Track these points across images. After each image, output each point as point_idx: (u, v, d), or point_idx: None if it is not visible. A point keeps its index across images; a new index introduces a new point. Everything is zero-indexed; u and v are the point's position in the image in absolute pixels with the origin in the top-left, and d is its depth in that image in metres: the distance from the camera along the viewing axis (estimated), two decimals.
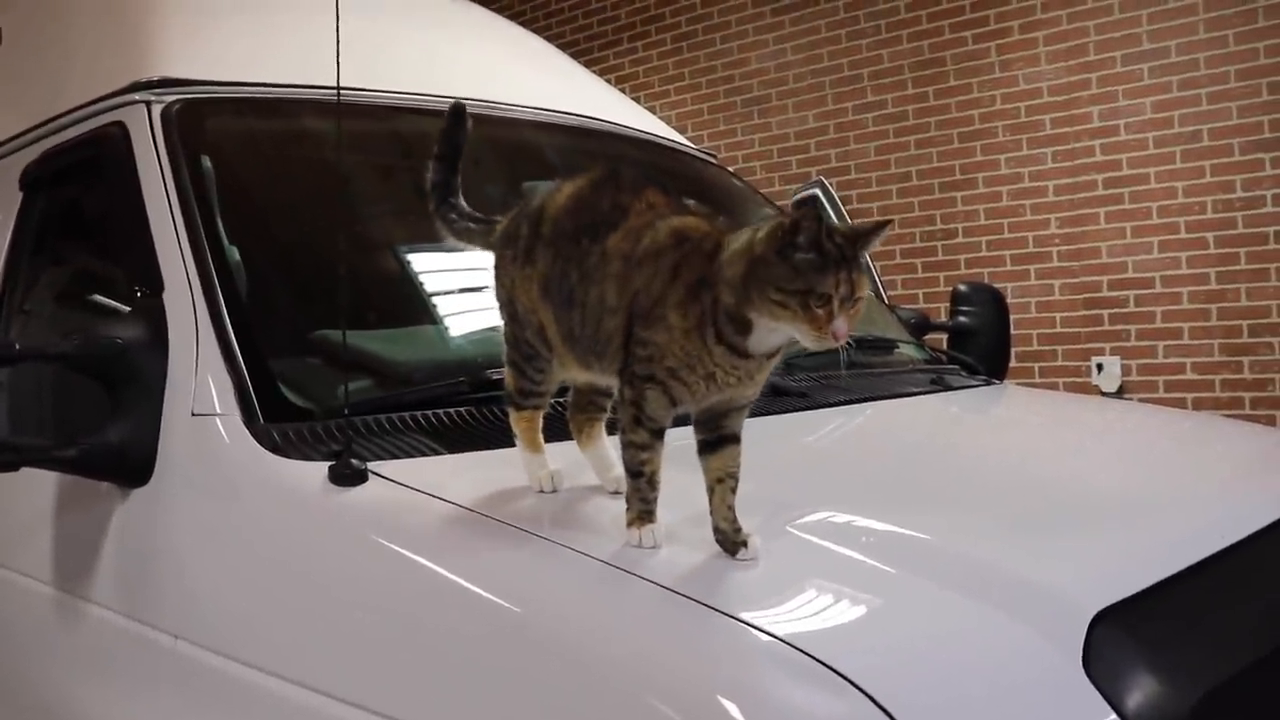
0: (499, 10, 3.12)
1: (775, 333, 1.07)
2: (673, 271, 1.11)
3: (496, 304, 1.31)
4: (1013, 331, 2.89)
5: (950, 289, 2.81)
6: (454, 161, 1.40)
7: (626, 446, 1.14)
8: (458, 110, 1.40)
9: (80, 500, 1.66)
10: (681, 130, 2.98)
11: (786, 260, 1.03)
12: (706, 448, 1.14)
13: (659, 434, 1.13)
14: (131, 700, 1.49)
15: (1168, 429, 2.25)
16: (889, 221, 1.10)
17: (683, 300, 1.09)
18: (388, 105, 2.11)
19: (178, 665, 1.41)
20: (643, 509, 1.13)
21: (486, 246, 1.34)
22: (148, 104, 1.85)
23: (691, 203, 1.21)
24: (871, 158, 5.81)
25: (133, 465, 1.51)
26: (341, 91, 1.45)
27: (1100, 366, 5.08)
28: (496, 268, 1.31)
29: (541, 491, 1.29)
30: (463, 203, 1.39)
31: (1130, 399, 4.92)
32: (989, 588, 1.11)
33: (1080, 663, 1.02)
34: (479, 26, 2.77)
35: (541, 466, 1.30)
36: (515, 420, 1.31)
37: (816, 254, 1.02)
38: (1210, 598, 1.25)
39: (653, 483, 1.13)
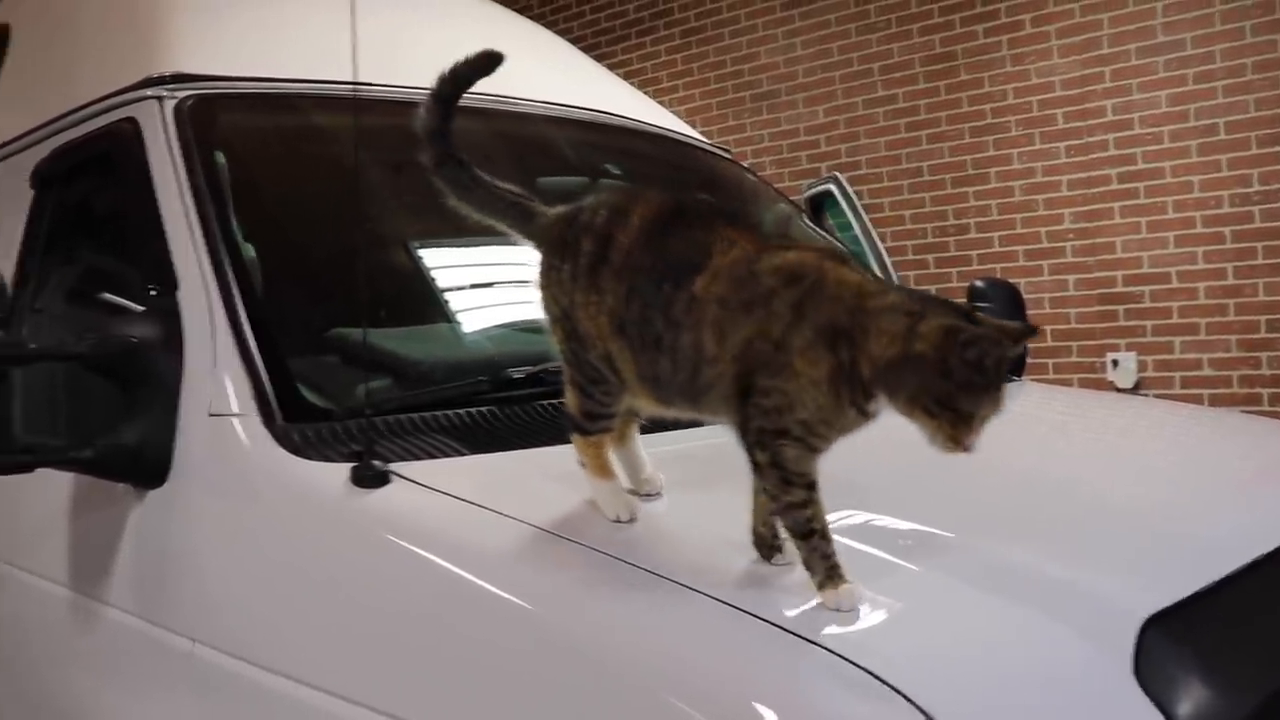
0: (509, 5, 3.10)
1: None
2: (794, 312, 1.02)
3: (545, 316, 1.20)
4: None
5: (963, 285, 2.78)
6: (453, 103, 1.26)
7: (785, 511, 1.04)
8: (493, 56, 1.25)
9: (96, 502, 1.64)
10: (690, 126, 2.95)
11: (950, 373, 0.97)
12: None
13: (812, 486, 1.04)
14: (148, 704, 1.47)
15: (1192, 426, 2.22)
16: (1033, 329, 1.03)
17: (810, 346, 1.01)
18: (403, 100, 2.08)
19: (194, 669, 1.39)
20: (828, 568, 1.02)
21: (525, 233, 1.23)
22: (160, 100, 1.83)
23: (769, 230, 1.14)
24: (882, 152, 5.77)
25: (149, 466, 1.49)
26: (356, 87, 1.42)
27: (1116, 362, 5.04)
28: (545, 275, 1.19)
29: (618, 521, 1.18)
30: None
31: (1146, 395, 4.88)
32: (1034, 592, 1.08)
33: (1131, 670, 1.00)
34: (493, 21, 2.75)
35: (617, 494, 1.20)
36: (582, 447, 1.20)
37: (980, 375, 0.97)
38: (1262, 602, 1.22)
39: (826, 536, 1.03)
